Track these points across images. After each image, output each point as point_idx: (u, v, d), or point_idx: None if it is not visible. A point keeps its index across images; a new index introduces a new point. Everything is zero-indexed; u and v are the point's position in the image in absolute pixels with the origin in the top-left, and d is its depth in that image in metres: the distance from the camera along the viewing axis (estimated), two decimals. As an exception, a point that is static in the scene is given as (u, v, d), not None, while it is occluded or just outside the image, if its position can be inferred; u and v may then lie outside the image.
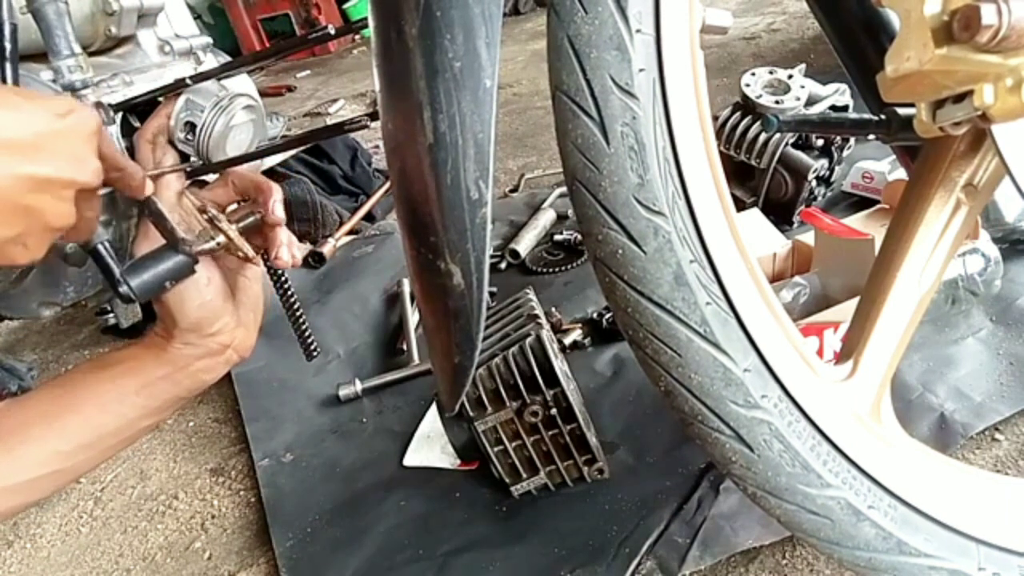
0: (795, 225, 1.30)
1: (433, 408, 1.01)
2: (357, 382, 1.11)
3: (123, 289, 0.52)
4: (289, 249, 0.61)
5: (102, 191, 0.66)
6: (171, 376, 0.61)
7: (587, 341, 1.10)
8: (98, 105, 0.59)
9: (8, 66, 0.53)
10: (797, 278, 0.97)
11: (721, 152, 1.27)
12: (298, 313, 0.75)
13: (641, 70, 0.46)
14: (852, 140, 1.33)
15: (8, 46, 0.53)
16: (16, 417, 0.57)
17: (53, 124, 0.42)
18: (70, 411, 0.58)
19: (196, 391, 0.64)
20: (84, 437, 0.58)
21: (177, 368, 0.61)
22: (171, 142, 0.62)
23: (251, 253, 0.58)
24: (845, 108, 1.24)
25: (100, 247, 0.53)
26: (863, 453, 0.54)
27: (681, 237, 0.48)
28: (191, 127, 0.60)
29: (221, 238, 0.56)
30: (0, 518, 0.59)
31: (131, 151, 0.63)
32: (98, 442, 0.59)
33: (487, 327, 0.87)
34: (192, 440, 1.15)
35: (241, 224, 0.59)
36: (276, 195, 0.61)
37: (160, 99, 0.62)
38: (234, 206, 0.63)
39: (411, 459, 0.96)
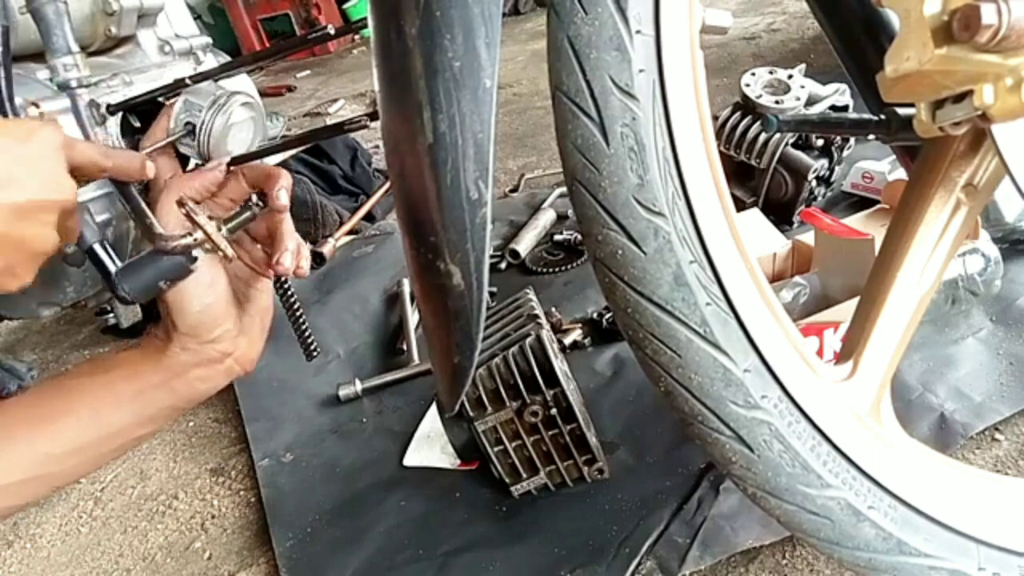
0: (795, 225, 1.30)
1: (433, 408, 1.01)
2: (357, 382, 1.11)
3: (119, 290, 0.52)
4: (294, 257, 0.59)
5: (100, 192, 0.66)
6: (167, 383, 0.59)
7: (587, 341, 1.10)
8: (90, 104, 0.59)
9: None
10: (797, 278, 0.97)
11: (721, 152, 1.27)
12: (298, 313, 0.75)
13: (641, 71, 0.46)
14: (852, 140, 1.33)
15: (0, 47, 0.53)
16: (5, 418, 0.55)
17: (17, 150, 0.42)
18: (63, 414, 0.57)
19: (193, 402, 0.62)
20: (76, 442, 0.57)
21: (173, 375, 0.59)
22: (174, 148, 0.62)
23: (230, 252, 0.55)
24: (845, 108, 1.24)
25: (96, 247, 0.53)
26: (863, 453, 0.54)
27: (681, 238, 0.48)
28: (191, 128, 0.60)
29: (199, 233, 0.54)
30: None
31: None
32: (89, 448, 0.58)
33: (487, 327, 0.87)
34: (192, 440, 1.15)
35: (234, 222, 0.56)
36: (283, 181, 0.58)
37: (160, 99, 0.63)
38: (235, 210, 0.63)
39: (411, 459, 0.96)
